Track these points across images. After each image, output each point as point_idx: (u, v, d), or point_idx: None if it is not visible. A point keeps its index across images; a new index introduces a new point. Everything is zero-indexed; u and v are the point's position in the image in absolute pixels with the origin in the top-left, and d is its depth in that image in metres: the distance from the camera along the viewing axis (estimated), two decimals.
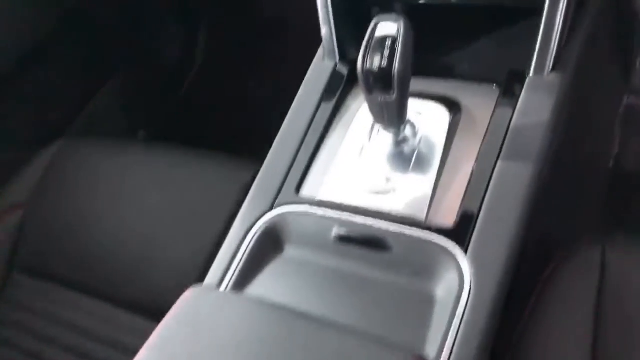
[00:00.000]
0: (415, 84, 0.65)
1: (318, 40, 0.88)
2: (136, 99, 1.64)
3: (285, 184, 0.74)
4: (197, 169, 1.02)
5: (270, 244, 0.71)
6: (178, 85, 1.72)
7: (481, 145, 0.71)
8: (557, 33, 0.72)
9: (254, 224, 0.72)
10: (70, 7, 1.35)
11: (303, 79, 0.88)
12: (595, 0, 0.82)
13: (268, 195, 0.74)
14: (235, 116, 1.54)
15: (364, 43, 0.62)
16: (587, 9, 0.79)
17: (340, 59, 0.86)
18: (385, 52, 0.61)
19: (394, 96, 0.62)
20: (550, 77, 0.73)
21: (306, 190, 0.74)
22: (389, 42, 0.61)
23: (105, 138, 1.23)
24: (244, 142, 1.22)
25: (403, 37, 0.61)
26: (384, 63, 0.60)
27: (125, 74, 1.58)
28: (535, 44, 0.73)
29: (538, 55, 0.73)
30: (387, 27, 0.62)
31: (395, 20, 0.62)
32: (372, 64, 0.61)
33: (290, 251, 0.71)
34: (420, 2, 0.79)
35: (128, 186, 1.02)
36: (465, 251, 0.63)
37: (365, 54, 0.62)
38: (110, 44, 1.51)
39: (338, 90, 0.83)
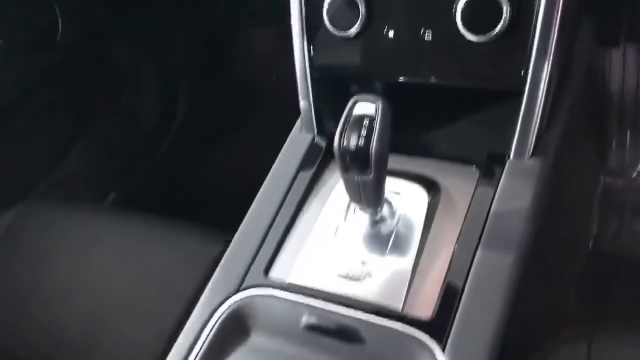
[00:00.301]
0: (394, 162, 0.63)
1: (297, 109, 0.86)
2: (110, 160, 1.60)
3: (254, 264, 0.70)
4: (164, 242, 0.97)
5: (234, 330, 0.66)
6: (153, 148, 1.69)
7: (461, 229, 0.68)
8: (537, 118, 0.71)
9: (219, 306, 0.67)
10: (47, 66, 1.33)
11: (281, 148, 0.86)
12: (574, 85, 0.83)
13: (235, 276, 0.69)
14: (209, 183, 1.51)
15: (342, 121, 0.60)
16: (566, 93, 0.79)
17: (318, 133, 0.85)
18: (362, 131, 0.59)
19: (371, 176, 0.59)
20: (531, 162, 0.72)
21: (276, 272, 0.70)
22: (366, 122, 0.59)
23: (72, 202, 1.18)
24: (217, 211, 1.18)
25: (381, 116, 0.59)
26: (362, 142, 0.58)
27: (101, 134, 1.55)
28: (516, 127, 0.72)
29: (518, 140, 0.72)
30: (366, 107, 0.60)
31: (374, 101, 0.60)
32: (349, 142, 0.59)
33: (256, 338, 0.66)
34: (400, 81, 0.78)
35: (89, 257, 0.96)
36: (444, 347, 0.58)
37: (342, 132, 0.60)
38: (86, 102, 1.48)
39: (315, 164, 0.81)
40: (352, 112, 0.61)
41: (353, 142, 0.58)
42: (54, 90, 1.39)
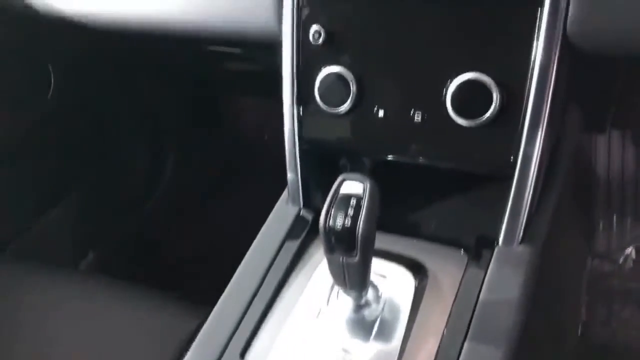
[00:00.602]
0: (380, 241, 0.61)
1: (283, 179, 0.85)
2: (91, 218, 1.56)
3: (230, 344, 0.66)
4: (137, 313, 0.91)
5: None
6: (137, 209, 1.66)
7: (448, 317, 0.65)
8: (526, 204, 0.70)
9: None
10: (36, 121, 1.32)
11: (267, 215, 0.84)
12: (562, 170, 0.83)
13: (209, 357, 0.65)
14: (192, 249, 1.47)
15: (328, 199, 0.59)
16: (555, 178, 0.79)
17: (304, 205, 0.83)
18: (349, 210, 0.57)
19: (356, 258, 0.57)
20: (520, 249, 0.70)
21: (253, 355, 0.66)
22: (353, 201, 0.58)
23: (41, 261, 1.13)
24: (197, 280, 1.14)
25: (369, 196, 0.57)
26: (348, 222, 0.56)
27: (84, 192, 1.52)
28: (504, 211, 0.71)
29: (507, 226, 0.71)
30: (353, 186, 0.59)
31: (361, 180, 0.59)
32: (335, 221, 0.57)
33: None
34: (388, 158, 0.77)
35: (53, 325, 0.90)
36: None
37: (328, 210, 0.58)
38: (71, 159, 1.46)
39: (299, 239, 0.79)
40: (339, 191, 0.59)
41: (339, 221, 0.57)
42: (40, 146, 1.37)
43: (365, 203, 0.57)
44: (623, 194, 1.29)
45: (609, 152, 1.26)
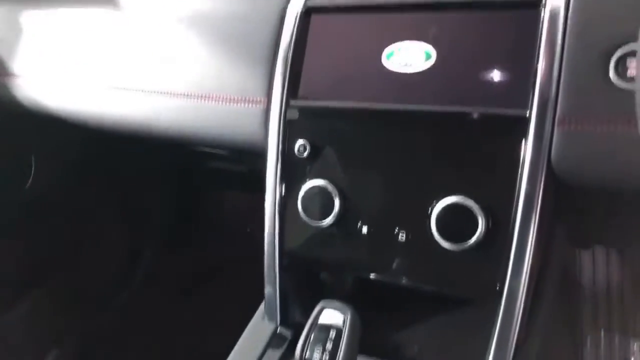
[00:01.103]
0: None
1: (259, 291, 0.81)
2: (58, 313, 1.48)
3: None
4: None
5: None
6: (107, 306, 1.58)
7: None
8: (514, 334, 0.67)
9: None
10: (10, 214, 1.29)
11: (242, 324, 0.80)
12: (549, 292, 0.80)
13: None
14: (159, 356, 1.39)
15: (306, 329, 0.55)
16: (542, 302, 0.76)
17: (281, 322, 0.79)
18: (327, 344, 0.54)
19: None
20: None
21: None
22: (332, 334, 0.54)
23: None
24: None
25: (349, 330, 0.54)
26: (326, 358, 0.53)
27: (55, 285, 1.45)
28: (491, 339, 0.68)
29: (494, 356, 0.67)
30: (333, 315, 0.56)
31: (342, 310, 0.56)
32: (311, 355, 0.53)
33: None
34: (370, 277, 0.74)
35: None
36: None
37: (305, 342, 0.55)
38: (44, 251, 1.41)
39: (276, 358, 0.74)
40: (318, 320, 0.56)
41: (316, 356, 0.53)
42: (9, 237, 1.32)
43: (344, 338, 0.54)
44: (609, 310, 1.27)
45: (593, 267, 1.25)
